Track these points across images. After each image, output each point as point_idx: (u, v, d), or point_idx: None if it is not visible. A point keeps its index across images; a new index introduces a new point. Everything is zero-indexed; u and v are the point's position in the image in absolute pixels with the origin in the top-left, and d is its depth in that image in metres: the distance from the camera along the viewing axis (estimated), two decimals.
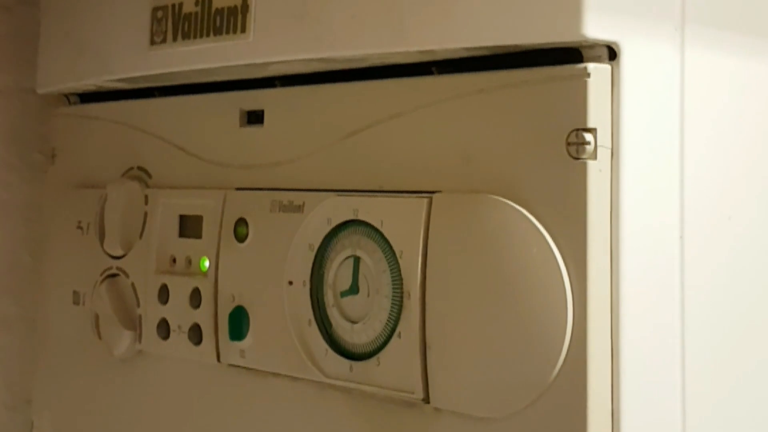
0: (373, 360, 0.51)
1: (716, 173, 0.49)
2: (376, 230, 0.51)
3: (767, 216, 0.51)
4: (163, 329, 0.61)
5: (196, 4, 0.58)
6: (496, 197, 0.46)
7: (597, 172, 0.44)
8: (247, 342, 0.56)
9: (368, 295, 0.51)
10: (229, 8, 0.56)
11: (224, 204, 0.58)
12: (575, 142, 0.44)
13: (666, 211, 0.46)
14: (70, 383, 0.70)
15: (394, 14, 0.49)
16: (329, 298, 0.53)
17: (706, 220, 0.48)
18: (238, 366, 0.57)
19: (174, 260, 0.62)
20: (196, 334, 0.59)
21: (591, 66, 0.44)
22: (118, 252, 0.64)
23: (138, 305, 0.63)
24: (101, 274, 0.66)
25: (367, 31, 0.50)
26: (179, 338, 0.60)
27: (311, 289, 0.54)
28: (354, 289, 0.52)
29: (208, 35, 0.57)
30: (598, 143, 0.44)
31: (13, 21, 0.76)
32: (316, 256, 0.54)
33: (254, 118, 0.58)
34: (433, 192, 0.49)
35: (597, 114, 0.44)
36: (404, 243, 0.50)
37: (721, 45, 0.49)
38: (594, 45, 0.45)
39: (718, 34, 0.49)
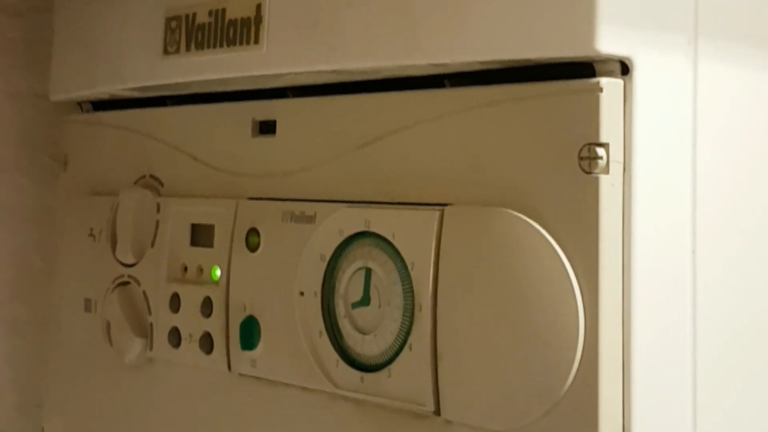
0: (384, 371, 0.51)
1: (729, 187, 0.49)
2: (388, 242, 0.51)
3: None
4: (174, 337, 0.61)
5: (210, 14, 0.58)
6: (508, 210, 0.47)
7: (609, 186, 0.44)
8: (258, 352, 0.57)
9: (379, 307, 0.51)
10: (242, 19, 0.56)
11: (236, 213, 0.58)
12: (587, 157, 0.44)
13: (678, 225, 0.46)
14: (81, 389, 0.70)
15: (407, 27, 0.49)
16: (340, 309, 0.53)
17: (718, 234, 0.48)
18: (249, 375, 0.57)
19: (185, 269, 0.62)
20: (207, 342, 0.59)
21: (604, 80, 0.44)
22: (130, 260, 0.65)
23: (149, 313, 0.63)
24: (113, 282, 0.66)
25: (380, 43, 0.51)
26: (190, 347, 0.60)
27: (322, 300, 0.54)
28: (365, 300, 0.52)
29: (221, 46, 0.57)
30: (611, 158, 0.44)
31: (26, 26, 0.76)
32: (327, 267, 0.54)
33: (266, 128, 0.59)
34: (444, 204, 0.49)
35: (609, 129, 0.44)
36: (416, 255, 0.50)
37: (734, 58, 0.49)
38: (607, 60, 0.45)
39: (731, 48, 0.49)
